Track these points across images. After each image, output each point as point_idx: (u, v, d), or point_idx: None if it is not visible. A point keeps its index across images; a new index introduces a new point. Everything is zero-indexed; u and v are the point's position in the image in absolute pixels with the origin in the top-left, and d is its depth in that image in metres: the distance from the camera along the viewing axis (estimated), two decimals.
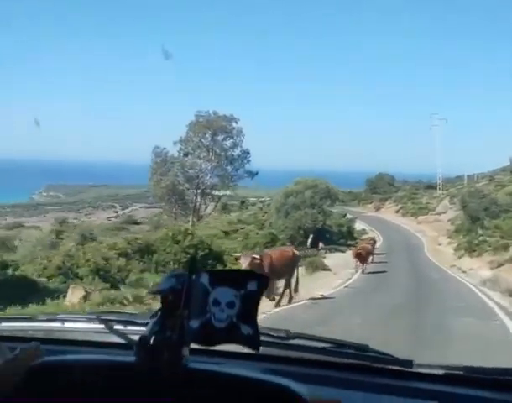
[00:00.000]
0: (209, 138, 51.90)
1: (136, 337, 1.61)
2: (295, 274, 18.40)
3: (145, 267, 26.16)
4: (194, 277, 1.52)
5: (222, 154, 52.30)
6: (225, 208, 57.51)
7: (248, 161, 52.89)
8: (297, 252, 19.54)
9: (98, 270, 22.91)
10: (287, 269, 17.53)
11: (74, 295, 17.11)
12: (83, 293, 17.05)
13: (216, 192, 54.03)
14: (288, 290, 17.85)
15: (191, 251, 27.12)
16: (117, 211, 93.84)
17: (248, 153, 52.86)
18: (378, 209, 72.21)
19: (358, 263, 29.12)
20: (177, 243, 27.14)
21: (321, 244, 40.72)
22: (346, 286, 24.47)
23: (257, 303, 1.50)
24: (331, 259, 35.73)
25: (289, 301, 17.81)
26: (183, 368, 1.53)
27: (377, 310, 17.64)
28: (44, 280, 21.69)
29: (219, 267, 24.72)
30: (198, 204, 52.09)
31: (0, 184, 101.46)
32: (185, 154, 51.97)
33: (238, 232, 40.30)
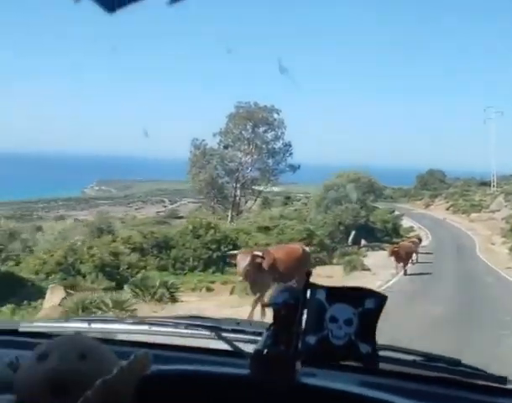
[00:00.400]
0: (250, 130, 48.48)
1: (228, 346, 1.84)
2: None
3: (163, 263, 23.11)
4: (309, 292, 1.51)
5: (263, 146, 48.81)
6: (265, 203, 53.89)
7: (290, 154, 49.21)
8: (307, 249, 15.72)
9: (104, 267, 19.97)
10: (294, 270, 13.75)
11: (53, 297, 14.11)
12: (63, 294, 14.00)
13: (262, 187, 50.72)
14: None
15: (213, 246, 23.96)
16: (165, 206, 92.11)
17: (290, 145, 49.21)
18: (427, 206, 67.81)
19: (400, 263, 25.42)
20: (198, 237, 23.95)
21: (363, 241, 37.10)
22: (383, 290, 20.87)
23: (375, 322, 1.48)
24: (373, 257, 32.01)
25: None
26: (296, 383, 1.54)
27: (414, 324, 14.08)
28: (38, 277, 18.89)
29: None
30: (238, 198, 48.84)
31: (54, 178, 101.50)
32: (225, 147, 48.74)
33: (278, 228, 36.77)
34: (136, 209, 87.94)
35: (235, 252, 13.79)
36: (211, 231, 24.37)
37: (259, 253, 12.87)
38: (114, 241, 23.36)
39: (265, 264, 12.74)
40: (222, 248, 23.79)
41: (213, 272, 23.01)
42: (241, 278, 13.00)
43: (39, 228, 33.01)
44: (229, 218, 45.54)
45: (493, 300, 18.78)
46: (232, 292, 19.73)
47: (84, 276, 19.05)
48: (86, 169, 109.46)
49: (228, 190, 49.01)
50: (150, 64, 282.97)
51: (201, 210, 53.09)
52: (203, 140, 48.46)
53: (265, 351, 1.50)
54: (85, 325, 2.34)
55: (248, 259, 12.32)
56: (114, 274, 19.89)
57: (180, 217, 64.34)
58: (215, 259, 23.66)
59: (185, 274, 22.70)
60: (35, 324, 2.46)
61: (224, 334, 2.04)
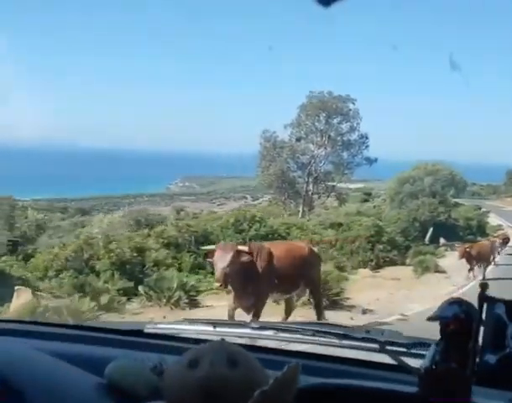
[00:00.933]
0: (323, 122, 44.55)
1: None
2: (317, 287, 10.56)
3: (200, 261, 19.73)
4: (485, 306, 1.38)
5: (338, 138, 44.83)
6: (340, 198, 49.60)
7: (367, 147, 44.89)
8: (315, 250, 11.27)
9: (123, 264, 16.91)
10: (299, 274, 9.67)
11: (19, 301, 11.16)
12: (29, 298, 11.02)
13: (335, 182, 46.72)
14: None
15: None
16: (247, 202, 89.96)
17: (367, 138, 44.76)
18: None
19: (474, 265, 21.17)
20: (240, 232, 20.47)
21: (442, 240, 32.47)
22: (454, 296, 16.72)
23: None
24: (451, 258, 27.49)
25: None
26: None
27: None
28: (48, 274, 16.12)
29: None
30: (310, 193, 45.03)
31: (140, 174, 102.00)
32: (298, 139, 45.01)
33: (344, 224, 32.69)
34: (218, 205, 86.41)
35: (211, 247, 9.71)
36: (256, 225, 20.86)
37: (245, 248, 8.84)
38: (149, 235, 20.32)
39: (259, 264, 8.84)
40: None
41: None
42: (218, 284, 8.84)
43: (89, 222, 30.88)
44: (300, 214, 42.02)
45: None
46: None
47: (98, 274, 16.08)
48: (172, 165, 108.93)
49: (300, 184, 45.34)
50: (229, 60, 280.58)
51: (272, 205, 49.72)
52: (274, 132, 45.01)
53: (436, 368, 1.34)
54: (209, 328, 2.29)
55: (228, 257, 8.44)
56: (136, 273, 16.81)
57: None
58: None
59: None
60: (160, 326, 2.40)
61: (355, 343, 1.96)
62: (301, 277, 9.56)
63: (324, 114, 44.21)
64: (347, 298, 15.03)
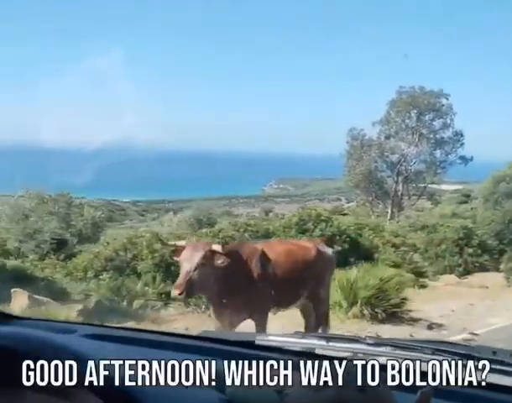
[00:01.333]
0: (414, 118, 41.57)
1: None
2: (322, 298, 7.90)
3: None
4: None
5: (430, 136, 41.68)
6: (431, 199, 46.20)
7: (462, 144, 41.61)
8: (328, 250, 8.13)
9: (169, 266, 15.32)
10: (300, 281, 7.30)
11: (16, 304, 9.82)
12: (25, 302, 9.63)
13: (427, 182, 43.52)
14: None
15: None
16: (342, 204, 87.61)
17: (462, 135, 41.51)
18: None
19: None
20: (303, 232, 18.36)
21: None
22: None
23: None
24: None
25: None
26: None
27: None
28: (87, 275, 14.79)
29: (365, 265, 15.00)
30: (399, 193, 42.10)
31: (237, 177, 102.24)
32: (387, 137, 42.22)
33: (434, 226, 29.69)
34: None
35: (181, 242, 7.15)
36: (322, 224, 18.66)
37: (218, 248, 6.47)
38: (207, 235, 18.69)
39: (252, 270, 6.66)
40: (334, 246, 17.90)
41: None
42: (177, 291, 6.40)
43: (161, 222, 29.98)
44: (389, 215, 39.39)
45: None
46: None
47: (139, 276, 14.57)
48: (267, 168, 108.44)
49: (388, 184, 42.51)
50: (319, 58, 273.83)
51: (359, 206, 47.14)
52: (361, 130, 42.47)
53: None
54: (322, 342, 2.20)
55: (196, 258, 6.32)
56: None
57: (345, 214, 58.95)
58: None
59: None
60: (270, 338, 2.31)
61: (480, 365, 1.73)
62: (304, 285, 7.29)
63: (415, 111, 41.37)
64: (409, 310, 12.62)
